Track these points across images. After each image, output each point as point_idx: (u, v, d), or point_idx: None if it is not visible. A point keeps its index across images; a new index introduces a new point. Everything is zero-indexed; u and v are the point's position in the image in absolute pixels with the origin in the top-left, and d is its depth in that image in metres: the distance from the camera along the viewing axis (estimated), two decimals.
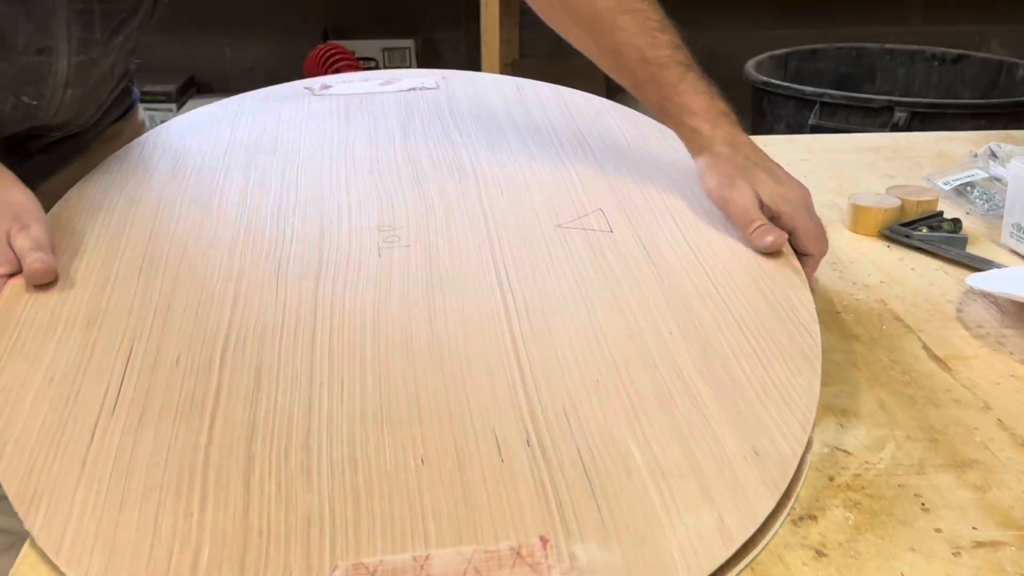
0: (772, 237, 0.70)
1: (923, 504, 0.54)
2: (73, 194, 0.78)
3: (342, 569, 0.45)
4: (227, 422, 0.54)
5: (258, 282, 0.67)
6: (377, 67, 2.52)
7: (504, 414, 0.55)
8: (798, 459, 0.53)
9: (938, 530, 0.52)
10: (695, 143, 0.75)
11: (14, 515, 0.49)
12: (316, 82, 1.01)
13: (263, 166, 0.82)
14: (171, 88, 2.37)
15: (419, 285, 0.67)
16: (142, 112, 1.00)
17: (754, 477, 0.52)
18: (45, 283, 0.64)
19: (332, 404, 0.56)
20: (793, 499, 0.54)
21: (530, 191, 0.80)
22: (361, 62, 2.39)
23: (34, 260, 0.63)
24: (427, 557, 0.46)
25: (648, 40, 0.75)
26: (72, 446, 0.52)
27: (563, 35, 0.81)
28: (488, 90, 1.02)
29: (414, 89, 1.00)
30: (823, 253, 0.73)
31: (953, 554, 0.50)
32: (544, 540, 0.47)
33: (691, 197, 0.78)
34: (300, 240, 0.72)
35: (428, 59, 2.68)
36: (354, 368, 0.59)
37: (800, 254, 0.72)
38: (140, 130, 0.98)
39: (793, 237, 0.72)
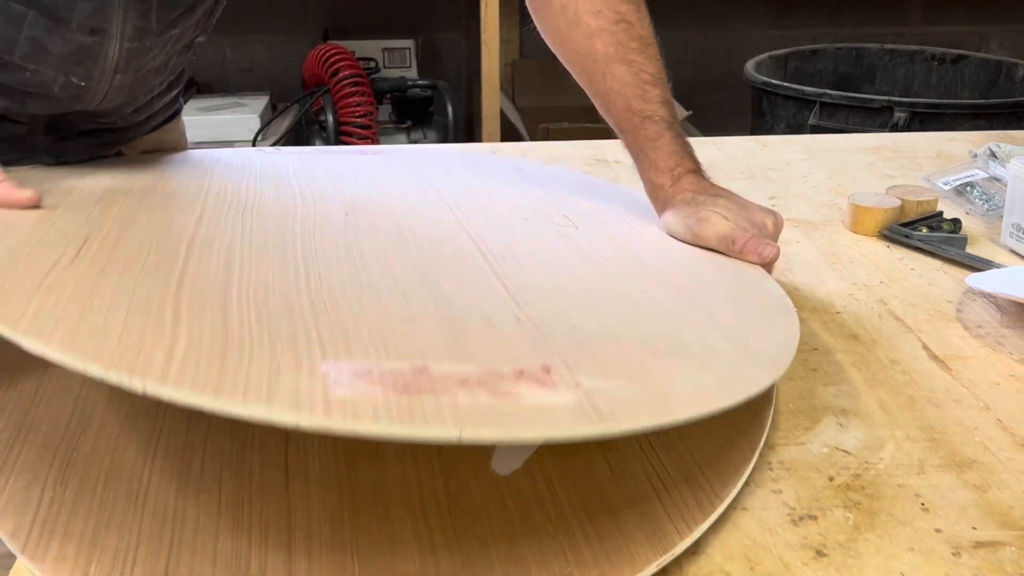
0: (771, 248, 0.71)
1: (923, 504, 0.54)
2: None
3: (334, 364, 0.42)
4: (198, 279, 0.51)
5: (223, 218, 0.65)
6: (377, 67, 2.52)
7: (491, 304, 0.54)
8: (789, 360, 0.54)
9: (938, 530, 0.52)
10: (659, 198, 0.78)
11: None
12: (267, 148, 1.04)
13: (220, 175, 0.82)
14: None
15: (390, 233, 0.67)
16: (183, 124, 1.00)
17: (749, 363, 0.52)
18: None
19: (310, 280, 0.53)
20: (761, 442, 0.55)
21: (492, 199, 0.81)
22: (361, 62, 2.39)
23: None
24: (425, 365, 0.44)
25: (637, 92, 0.77)
26: (27, 274, 0.48)
27: (564, 64, 0.83)
28: (435, 153, 1.05)
29: (363, 154, 1.03)
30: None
31: (953, 554, 0.50)
32: (547, 367, 0.46)
33: (651, 219, 0.79)
34: (262, 201, 0.71)
35: (428, 59, 2.68)
36: (328, 263, 0.57)
37: None
38: (180, 140, 0.98)
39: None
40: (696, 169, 0.77)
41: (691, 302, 0.61)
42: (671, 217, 0.76)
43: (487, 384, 0.43)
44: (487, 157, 1.04)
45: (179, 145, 0.98)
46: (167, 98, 0.90)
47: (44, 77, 0.72)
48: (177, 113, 0.97)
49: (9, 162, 0.73)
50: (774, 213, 0.75)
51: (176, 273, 0.52)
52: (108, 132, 0.86)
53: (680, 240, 0.75)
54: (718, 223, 0.72)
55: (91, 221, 0.59)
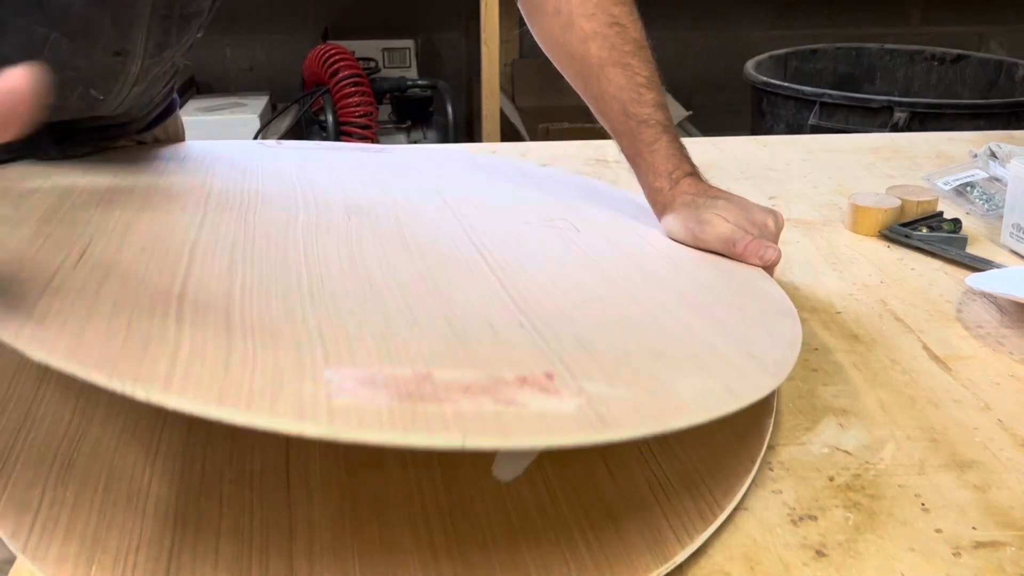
0: (773, 251, 0.71)
1: (923, 504, 0.54)
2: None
3: (338, 370, 0.42)
4: (201, 283, 0.51)
5: (225, 221, 0.64)
6: (377, 67, 2.52)
7: (495, 310, 0.54)
8: (792, 363, 0.54)
9: (938, 530, 0.52)
10: (658, 201, 0.78)
11: None
12: (270, 141, 1.03)
13: (223, 173, 0.82)
14: None
15: (392, 237, 0.66)
16: (180, 119, 1.00)
17: (752, 367, 0.52)
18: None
19: (312, 286, 0.53)
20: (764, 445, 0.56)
21: (495, 201, 0.81)
22: (361, 62, 2.39)
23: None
24: (428, 371, 0.43)
25: (632, 95, 0.77)
26: (31, 279, 0.47)
27: (558, 68, 0.83)
28: (437, 153, 1.05)
29: (364, 151, 1.02)
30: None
31: (953, 554, 0.50)
32: (550, 374, 0.45)
33: (651, 222, 0.79)
34: (265, 202, 0.70)
35: (428, 59, 2.68)
36: (331, 269, 0.57)
37: None
38: (180, 132, 0.98)
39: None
40: (694, 172, 0.77)
41: (694, 305, 0.61)
42: (671, 220, 0.76)
43: (490, 391, 0.42)
44: (487, 157, 1.04)
45: (179, 137, 0.98)
46: (165, 89, 0.91)
47: (62, 90, 0.72)
48: (175, 103, 0.97)
49: (14, 155, 0.73)
50: (774, 212, 0.75)
51: (179, 278, 0.51)
52: (114, 127, 0.86)
53: (681, 243, 0.75)
54: (719, 225, 0.72)
55: (93, 224, 0.59)
